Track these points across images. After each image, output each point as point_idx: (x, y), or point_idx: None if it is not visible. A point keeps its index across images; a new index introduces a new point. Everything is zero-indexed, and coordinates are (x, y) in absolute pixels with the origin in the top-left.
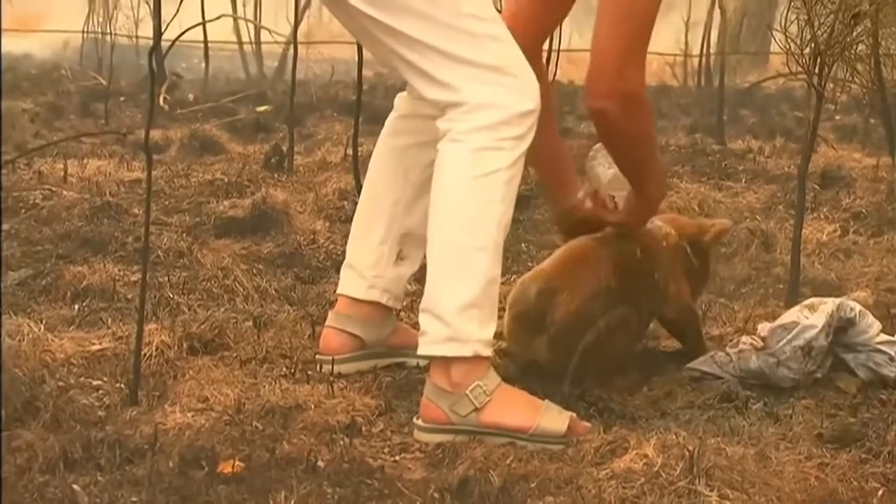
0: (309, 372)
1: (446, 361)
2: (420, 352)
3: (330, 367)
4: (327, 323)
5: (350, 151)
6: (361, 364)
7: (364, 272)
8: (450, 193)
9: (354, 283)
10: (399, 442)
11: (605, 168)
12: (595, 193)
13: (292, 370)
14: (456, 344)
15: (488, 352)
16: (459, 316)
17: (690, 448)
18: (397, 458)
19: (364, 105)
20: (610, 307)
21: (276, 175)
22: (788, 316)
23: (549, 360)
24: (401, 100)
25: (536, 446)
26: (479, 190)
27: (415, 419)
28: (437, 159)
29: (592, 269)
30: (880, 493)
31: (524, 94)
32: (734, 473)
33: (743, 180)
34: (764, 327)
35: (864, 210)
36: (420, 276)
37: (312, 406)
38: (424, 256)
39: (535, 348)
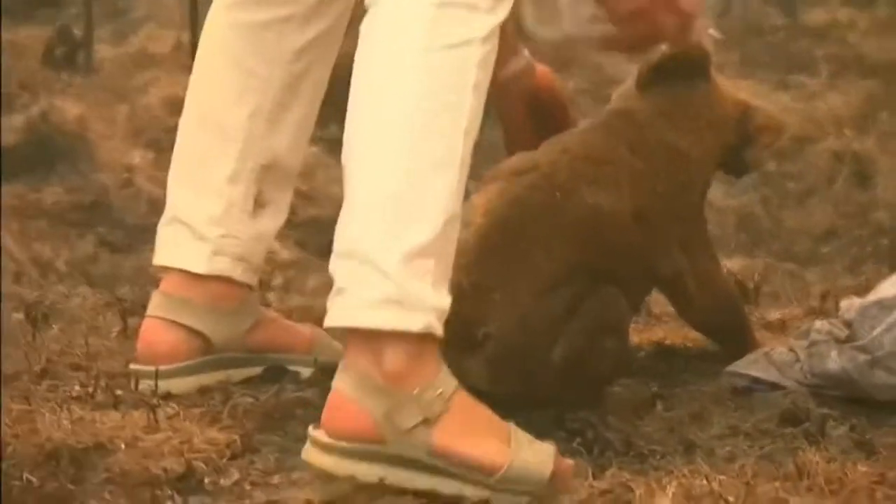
0: (118, 392)
1: (378, 338)
2: (332, 321)
3: (152, 382)
4: (149, 312)
5: (188, 37)
6: (204, 377)
7: (203, 230)
8: (393, 76)
9: (188, 248)
10: (264, 501)
11: None
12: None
13: (91, 389)
14: (400, 310)
15: (441, 330)
16: (408, 267)
17: (731, 500)
18: None
19: None
20: (580, 297)
21: (65, 76)
22: (889, 288)
23: (491, 389)
24: None
25: (503, 499)
26: (441, 71)
27: (311, 430)
28: (369, 21)
29: (541, 242)
30: None
31: None
32: None
33: (824, 74)
34: (850, 306)
35: None
36: (301, 236)
37: (123, 445)
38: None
39: (467, 372)
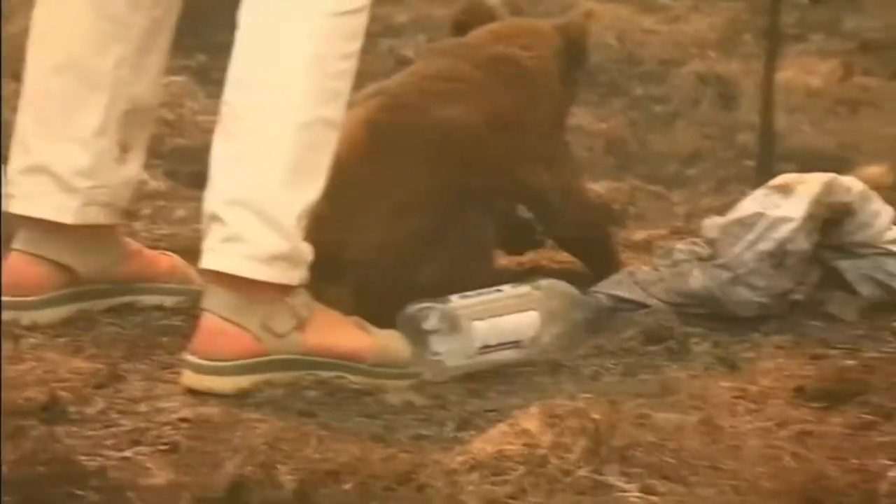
0: None
1: (259, 285)
2: (220, 266)
3: (17, 314)
4: (14, 245)
5: None
6: (69, 307)
7: (72, 182)
8: (295, 40)
9: (55, 199)
10: (131, 428)
11: None
12: None
13: None
14: (286, 265)
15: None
16: (299, 224)
17: (596, 417)
18: (128, 453)
19: None
20: (445, 220)
21: None
22: (749, 205)
23: (358, 314)
24: None
25: (375, 382)
26: (340, 36)
27: (187, 355)
28: None
29: (396, 163)
30: (892, 473)
31: None
32: (666, 454)
33: None
34: (712, 225)
35: (878, 37)
36: (169, 166)
37: None
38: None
39: (334, 299)
